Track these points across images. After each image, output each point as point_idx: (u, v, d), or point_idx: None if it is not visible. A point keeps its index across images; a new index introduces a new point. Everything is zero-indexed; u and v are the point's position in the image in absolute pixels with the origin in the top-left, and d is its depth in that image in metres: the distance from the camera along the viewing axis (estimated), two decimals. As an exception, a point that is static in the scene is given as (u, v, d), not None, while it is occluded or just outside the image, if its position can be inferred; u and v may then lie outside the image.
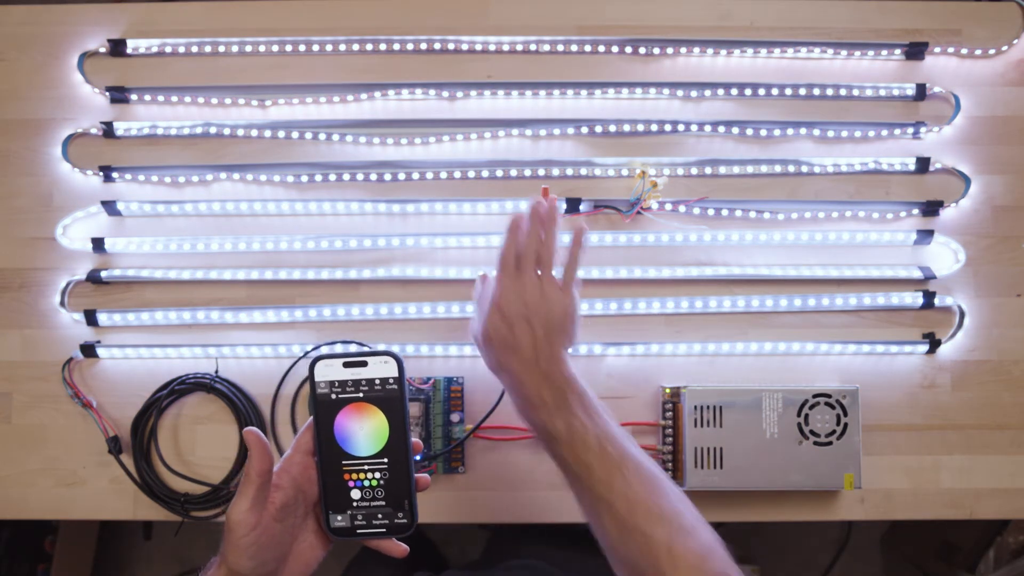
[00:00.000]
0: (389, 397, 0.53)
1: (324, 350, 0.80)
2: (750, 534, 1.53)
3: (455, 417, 0.80)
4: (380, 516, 0.53)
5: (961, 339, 0.82)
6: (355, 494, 0.52)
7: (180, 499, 0.79)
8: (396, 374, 0.52)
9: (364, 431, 0.52)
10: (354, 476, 0.52)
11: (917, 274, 0.83)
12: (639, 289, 0.82)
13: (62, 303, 0.82)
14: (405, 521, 0.53)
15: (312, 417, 0.53)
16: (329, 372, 0.52)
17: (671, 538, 0.52)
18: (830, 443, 0.76)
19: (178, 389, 0.80)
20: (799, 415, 0.77)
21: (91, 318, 0.81)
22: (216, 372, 0.81)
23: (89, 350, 0.81)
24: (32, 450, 0.81)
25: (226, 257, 0.83)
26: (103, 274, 0.82)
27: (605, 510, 0.55)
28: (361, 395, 0.52)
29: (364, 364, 0.52)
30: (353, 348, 0.80)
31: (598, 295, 0.82)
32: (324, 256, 0.83)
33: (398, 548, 0.53)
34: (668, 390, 0.79)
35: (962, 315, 0.82)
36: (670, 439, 0.78)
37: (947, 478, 0.81)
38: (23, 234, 0.84)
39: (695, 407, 0.77)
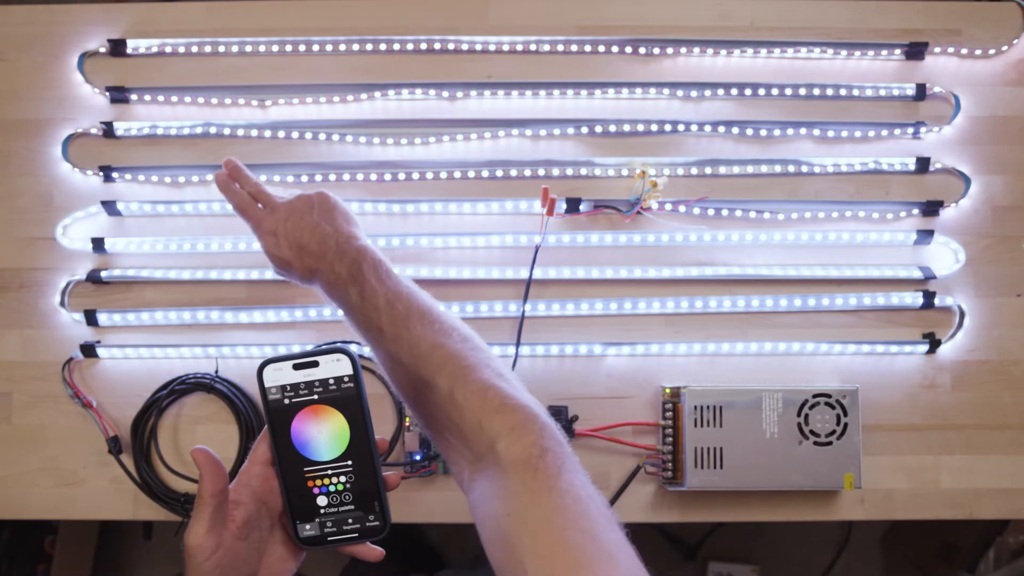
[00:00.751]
0: (346, 396, 0.50)
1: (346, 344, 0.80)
2: (750, 534, 1.52)
3: (455, 417, 0.80)
4: (351, 521, 0.50)
5: (961, 339, 0.82)
6: (321, 501, 0.50)
7: (180, 499, 0.79)
8: (351, 371, 0.50)
9: (323, 435, 0.50)
10: (318, 482, 0.50)
11: (917, 274, 0.83)
12: (639, 289, 0.82)
13: (62, 303, 0.82)
14: (378, 523, 0.50)
15: (266, 426, 0.50)
16: (279, 376, 0.49)
17: (452, 385, 0.51)
18: (830, 443, 0.76)
19: (178, 389, 0.80)
20: (799, 415, 0.76)
21: (91, 318, 0.81)
22: (216, 372, 0.81)
23: (89, 350, 0.81)
24: (32, 450, 0.81)
25: (226, 257, 0.83)
26: (103, 274, 0.82)
27: (396, 367, 0.55)
28: (316, 397, 0.50)
29: (315, 364, 0.49)
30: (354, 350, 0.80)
31: (598, 295, 0.82)
32: (324, 256, 0.83)
33: (373, 552, 0.51)
34: (668, 390, 0.79)
35: (962, 315, 0.82)
36: (670, 439, 0.78)
37: (947, 478, 0.81)
38: (23, 234, 0.84)
39: (695, 407, 0.77)
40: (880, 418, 0.81)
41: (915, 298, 0.82)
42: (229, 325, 0.82)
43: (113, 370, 0.82)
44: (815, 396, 0.77)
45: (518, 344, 0.79)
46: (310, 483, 0.50)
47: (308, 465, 0.50)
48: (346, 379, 0.50)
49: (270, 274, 0.82)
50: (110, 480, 0.81)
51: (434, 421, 0.53)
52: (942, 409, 0.82)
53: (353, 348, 0.51)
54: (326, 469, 0.50)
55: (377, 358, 0.57)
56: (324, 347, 0.51)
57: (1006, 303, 0.83)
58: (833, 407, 0.77)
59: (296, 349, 0.81)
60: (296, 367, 0.50)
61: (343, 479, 0.50)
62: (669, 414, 0.79)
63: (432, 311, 0.56)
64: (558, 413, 0.79)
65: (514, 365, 0.79)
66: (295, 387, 0.50)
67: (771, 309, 0.82)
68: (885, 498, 0.81)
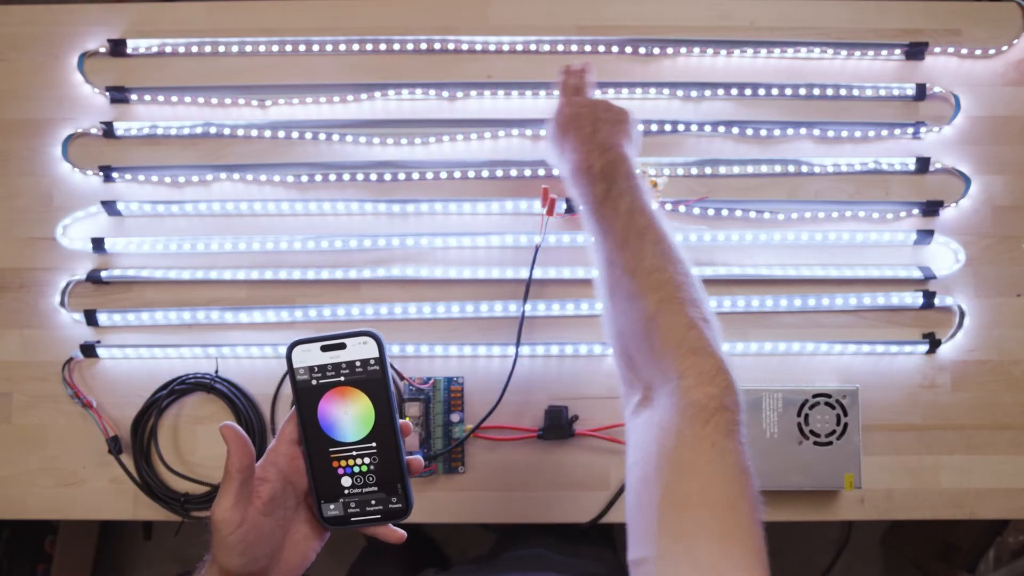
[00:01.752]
0: (371, 379, 0.51)
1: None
2: (750, 534, 1.52)
3: (455, 417, 0.80)
4: (374, 502, 0.51)
5: (961, 339, 0.82)
6: (346, 481, 0.51)
7: (180, 499, 0.79)
8: (376, 354, 0.51)
9: (349, 416, 0.51)
10: (343, 463, 0.51)
11: (917, 274, 0.83)
12: (639, 289, 0.82)
13: (62, 303, 0.82)
14: (400, 506, 0.51)
15: (294, 406, 0.51)
16: (307, 357, 0.50)
17: (660, 308, 0.51)
18: (830, 443, 0.76)
19: (178, 389, 0.80)
20: (799, 415, 0.77)
21: (91, 318, 0.81)
22: (216, 372, 0.81)
23: (89, 350, 0.81)
24: (32, 450, 0.81)
25: (226, 257, 0.83)
26: (103, 274, 0.82)
27: (612, 269, 0.55)
28: (343, 379, 0.51)
29: (343, 346, 0.50)
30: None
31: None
32: (324, 256, 0.83)
33: (395, 534, 0.52)
34: (668, 390, 0.79)
35: (962, 315, 0.82)
36: (670, 439, 0.78)
37: (947, 478, 0.81)
38: (23, 234, 0.84)
39: (695, 407, 0.76)
40: (880, 418, 0.81)
41: (915, 298, 0.82)
42: (229, 325, 0.82)
43: (113, 370, 0.82)
44: (815, 396, 0.77)
45: (518, 344, 0.79)
46: (335, 463, 0.51)
47: (334, 446, 0.51)
48: (372, 362, 0.51)
49: (270, 274, 0.82)
50: (110, 480, 0.81)
51: (624, 334, 0.53)
52: (942, 409, 0.82)
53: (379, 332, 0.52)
54: (351, 450, 0.51)
55: (596, 256, 0.59)
56: (352, 330, 0.51)
57: (1006, 303, 0.83)
58: (833, 407, 0.77)
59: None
60: (324, 348, 0.51)
61: (367, 460, 0.51)
62: (669, 414, 0.79)
63: (667, 237, 0.56)
64: (558, 413, 0.79)
65: (514, 365, 0.79)
66: (323, 368, 0.51)
67: (771, 309, 0.82)
68: (885, 498, 0.81)
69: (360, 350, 0.51)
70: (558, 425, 0.79)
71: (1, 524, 1.26)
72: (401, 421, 0.52)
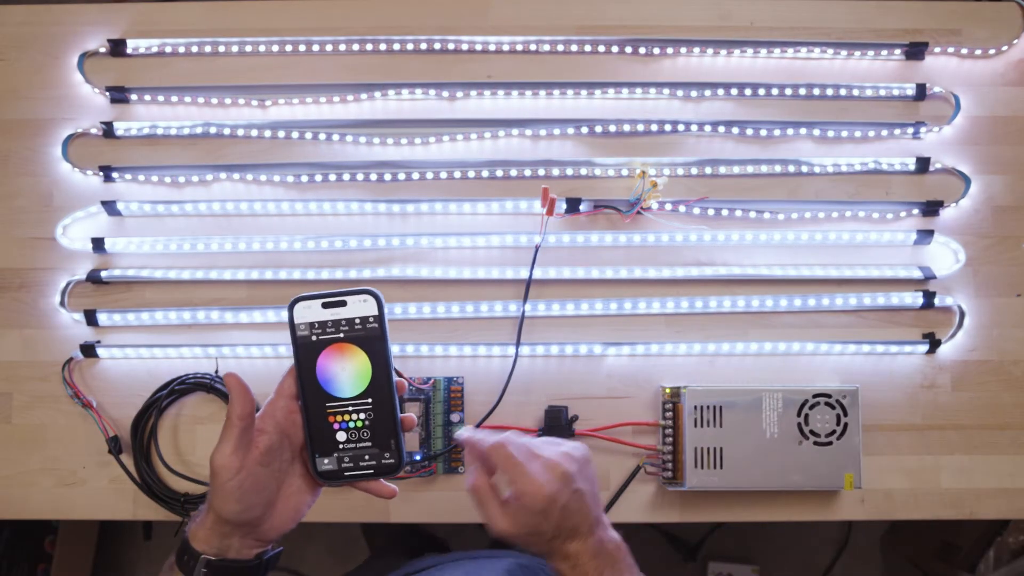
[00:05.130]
0: (370, 336, 0.52)
1: None
2: (750, 534, 1.53)
3: (455, 417, 0.80)
4: (367, 457, 0.52)
5: (961, 339, 0.82)
6: (341, 436, 0.52)
7: (180, 499, 0.79)
8: (376, 312, 0.52)
9: (347, 372, 0.52)
10: (339, 418, 0.52)
11: (917, 274, 0.83)
12: (639, 289, 0.82)
13: (62, 303, 0.82)
14: (393, 461, 0.52)
15: (293, 361, 0.52)
16: (308, 313, 0.52)
17: None
18: (830, 443, 0.76)
19: (178, 389, 0.80)
20: (799, 415, 0.77)
21: (91, 318, 0.81)
22: (216, 372, 0.81)
23: (89, 350, 0.81)
24: (32, 450, 0.81)
25: (226, 257, 0.83)
26: (103, 274, 0.82)
27: None
28: (342, 335, 0.52)
29: (343, 303, 0.52)
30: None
31: (598, 295, 0.82)
32: (324, 256, 0.83)
33: (386, 489, 0.53)
34: (668, 390, 0.79)
35: (962, 315, 0.82)
36: (670, 439, 0.78)
37: (947, 478, 0.81)
38: (23, 234, 0.84)
39: (695, 407, 0.77)
40: (880, 418, 0.81)
41: (915, 298, 0.82)
42: (229, 325, 0.82)
43: (113, 370, 0.82)
44: (815, 396, 0.77)
45: (518, 344, 0.79)
46: (331, 418, 0.52)
47: (330, 401, 0.52)
48: (371, 319, 0.52)
49: (270, 274, 0.82)
50: (110, 480, 0.81)
51: None
52: (942, 409, 0.82)
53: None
54: (347, 405, 0.52)
55: None
56: (353, 288, 0.53)
57: (1006, 303, 0.83)
58: (833, 407, 0.77)
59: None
60: (325, 305, 0.52)
61: (363, 416, 0.52)
62: (669, 414, 0.79)
63: None
64: (558, 413, 0.79)
65: (514, 365, 0.79)
66: (323, 324, 0.52)
67: (771, 309, 0.82)
68: (885, 498, 0.81)
69: (360, 308, 0.52)
70: (558, 425, 0.79)
71: (1, 524, 1.26)
72: (397, 379, 0.53)
